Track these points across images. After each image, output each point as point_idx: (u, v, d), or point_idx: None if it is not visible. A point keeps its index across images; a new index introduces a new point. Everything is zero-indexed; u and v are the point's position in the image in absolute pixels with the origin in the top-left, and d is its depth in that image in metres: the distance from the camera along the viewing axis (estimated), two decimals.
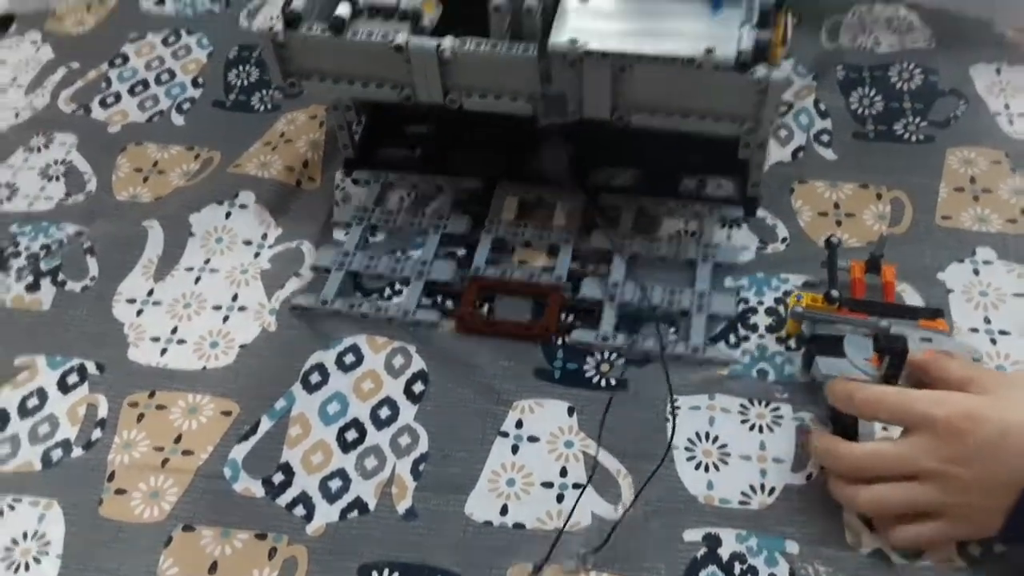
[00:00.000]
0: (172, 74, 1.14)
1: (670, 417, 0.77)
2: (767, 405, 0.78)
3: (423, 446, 0.78)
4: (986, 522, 0.63)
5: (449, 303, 0.87)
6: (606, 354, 0.82)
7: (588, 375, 0.81)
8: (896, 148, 0.98)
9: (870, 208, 0.92)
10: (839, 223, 0.91)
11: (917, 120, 1.00)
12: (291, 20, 0.81)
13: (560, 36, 0.75)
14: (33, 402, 0.83)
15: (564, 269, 0.88)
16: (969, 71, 1.05)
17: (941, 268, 0.86)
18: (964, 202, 0.92)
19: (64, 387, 0.84)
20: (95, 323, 0.89)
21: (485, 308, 0.87)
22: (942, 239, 0.88)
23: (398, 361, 0.83)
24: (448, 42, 0.78)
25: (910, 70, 1.06)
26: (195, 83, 1.13)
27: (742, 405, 0.78)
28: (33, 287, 0.92)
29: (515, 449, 0.77)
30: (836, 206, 0.93)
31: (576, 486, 0.74)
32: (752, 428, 0.77)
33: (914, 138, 0.99)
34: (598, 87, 0.78)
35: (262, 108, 1.09)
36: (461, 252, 0.91)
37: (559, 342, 0.83)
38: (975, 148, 0.97)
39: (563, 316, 0.85)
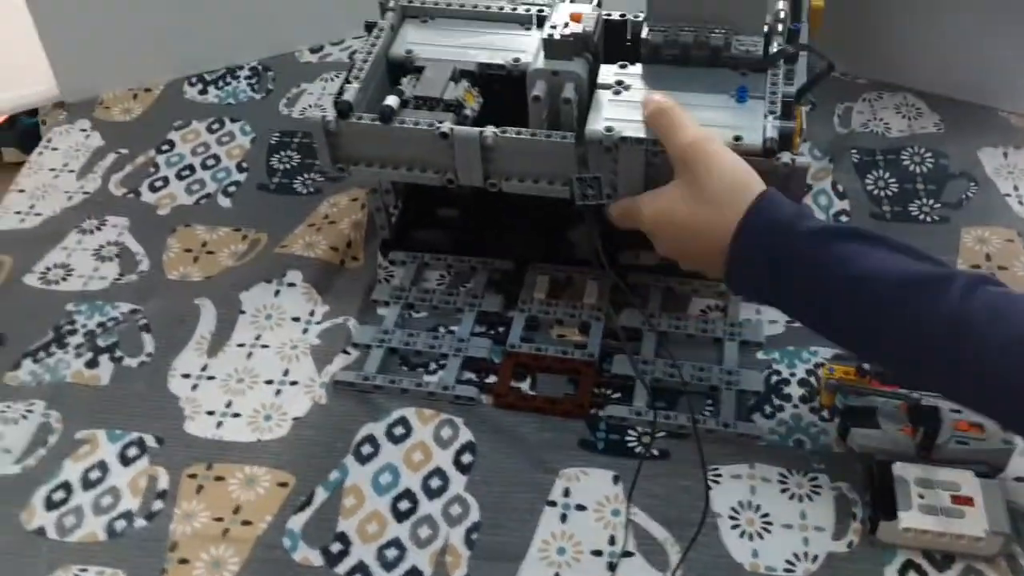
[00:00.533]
0: (217, 159, 1.19)
1: (712, 485, 0.80)
2: (805, 475, 0.81)
3: (474, 515, 0.80)
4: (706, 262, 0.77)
5: (488, 378, 0.91)
6: (652, 403, 0.86)
7: (630, 445, 0.84)
8: (913, 228, 1.03)
9: None
10: None
11: (931, 201, 1.06)
12: (343, 110, 0.86)
13: (596, 124, 0.81)
14: (95, 474, 0.86)
15: (596, 346, 0.92)
16: (977, 154, 1.12)
17: None
18: None
19: (125, 460, 0.87)
20: (152, 398, 0.92)
21: (527, 382, 0.90)
22: None
23: (446, 433, 0.87)
24: (490, 130, 0.83)
25: (921, 154, 1.12)
26: (240, 168, 1.18)
27: (781, 475, 0.81)
28: (92, 363, 0.95)
29: (564, 518, 0.80)
30: None
31: (626, 554, 0.77)
32: (792, 497, 0.80)
33: (929, 218, 1.04)
34: (631, 171, 0.83)
35: (305, 191, 1.14)
36: (499, 329, 0.95)
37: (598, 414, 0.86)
38: (988, 227, 1.02)
39: (597, 390, 0.89)
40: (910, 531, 0.73)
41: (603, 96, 0.83)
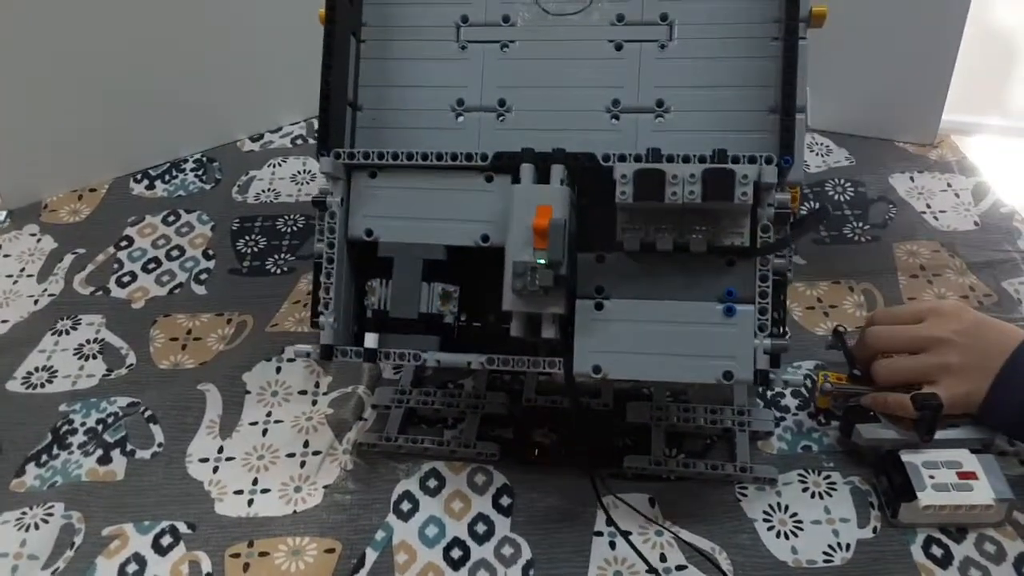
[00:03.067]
0: (181, 249, 1.20)
1: (741, 497, 0.86)
2: (820, 473, 0.88)
3: (526, 553, 0.83)
4: (973, 389, 0.84)
5: (506, 433, 0.94)
6: (672, 451, 0.91)
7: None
8: (851, 248, 1.15)
9: (847, 299, 1.07)
10: (826, 314, 1.06)
11: (860, 224, 1.18)
12: (325, 355, 0.79)
13: (583, 362, 0.73)
14: (132, 568, 0.84)
15: (610, 395, 0.96)
16: (889, 180, 1.25)
17: None
18: (922, 286, 1.08)
19: (160, 549, 0.85)
20: (174, 485, 0.91)
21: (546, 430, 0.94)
22: None
23: (480, 479, 0.90)
24: (477, 361, 0.77)
25: (841, 184, 1.25)
26: (206, 255, 1.19)
27: (800, 475, 0.88)
28: (104, 459, 0.93)
29: (612, 544, 0.84)
30: (819, 300, 1.07)
31: (679, 568, 0.81)
32: (813, 495, 0.87)
33: (862, 239, 1.16)
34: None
35: (278, 271, 1.16)
36: (514, 387, 0.99)
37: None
38: (915, 242, 1.15)
39: (618, 441, 0.93)
40: (929, 508, 0.81)
41: (584, 316, 0.74)
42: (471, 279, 0.79)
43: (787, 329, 0.80)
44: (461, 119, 0.83)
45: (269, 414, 0.97)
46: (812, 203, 1.22)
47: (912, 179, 1.26)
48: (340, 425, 0.96)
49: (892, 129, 1.34)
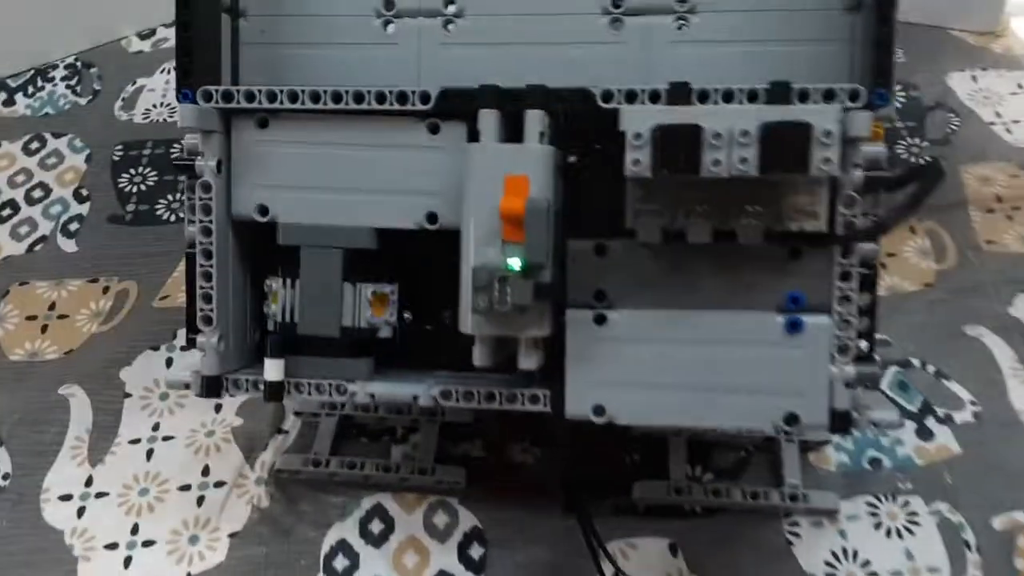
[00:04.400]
0: (46, 189, 0.95)
1: (792, 539, 0.64)
2: (896, 500, 0.66)
3: None
4: None
5: (474, 448, 0.71)
6: (696, 470, 0.68)
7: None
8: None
9: (908, 245, 0.84)
10: (884, 265, 0.82)
11: (916, 141, 0.93)
12: (210, 391, 0.58)
13: (579, 400, 0.53)
14: None
15: None
16: (946, 81, 1.00)
17: (1008, 303, 0.78)
18: (1001, 224, 0.85)
19: None
20: (23, 538, 0.69)
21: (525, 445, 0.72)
22: (997, 269, 0.80)
23: (441, 519, 0.68)
24: (427, 396, 0.56)
25: None
26: (79, 196, 0.95)
27: (868, 505, 0.66)
28: None
29: None
30: None
31: None
32: (889, 533, 0.65)
33: (920, 160, 0.91)
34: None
35: (173, 217, 0.91)
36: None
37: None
38: (986, 164, 0.91)
39: (625, 458, 0.71)
40: None
41: (580, 334, 0.53)
42: (415, 263, 0.58)
43: (877, 348, 0.56)
44: (391, 28, 0.59)
45: (156, 427, 0.75)
46: None
47: (975, 79, 1.01)
48: (252, 442, 0.74)
49: (947, 13, 1.08)
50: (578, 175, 0.53)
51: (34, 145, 0.98)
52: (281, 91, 0.53)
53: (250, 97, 0.54)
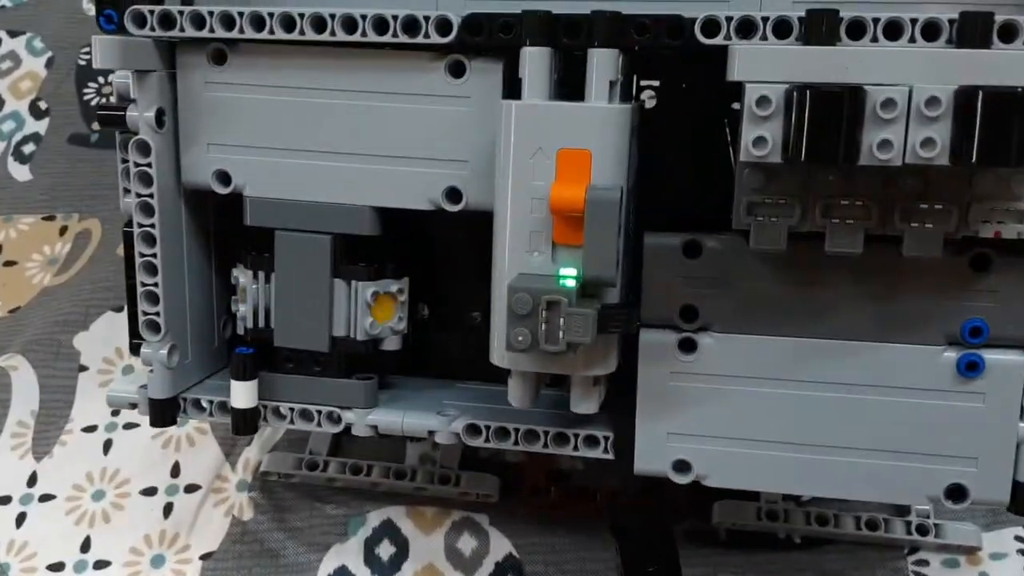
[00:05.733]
0: None
1: None
2: None
3: None
4: None
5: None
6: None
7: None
8: None
9: None
10: None
11: None
12: (164, 418, 0.46)
13: (657, 455, 0.41)
14: None
15: None
16: None
17: None
18: None
19: None
20: None
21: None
22: None
23: (468, 544, 0.55)
24: (446, 432, 0.44)
25: None
26: (35, 110, 0.81)
27: (1018, 540, 0.53)
28: None
29: None
30: None
31: None
32: None
33: None
34: None
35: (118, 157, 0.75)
36: None
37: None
38: None
39: None
40: None
41: (658, 364, 0.41)
42: (435, 245, 0.47)
43: None
44: None
45: (117, 412, 0.63)
46: None
47: None
48: (233, 437, 0.60)
49: None
50: (660, 128, 0.37)
51: None
52: (241, 14, 0.40)
53: (198, 21, 0.40)
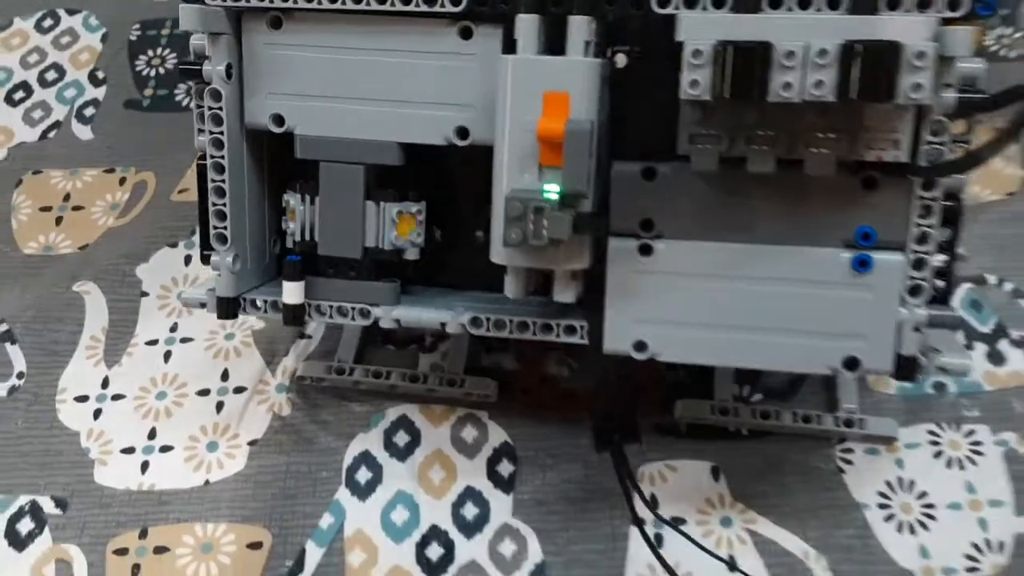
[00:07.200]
0: (60, 70, 0.89)
1: (845, 466, 0.60)
2: (959, 429, 0.61)
3: (534, 552, 0.59)
4: None
5: (507, 360, 0.67)
6: (744, 390, 0.64)
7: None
8: (995, 69, 0.81)
9: None
10: None
11: (1010, 31, 0.83)
12: (228, 314, 0.55)
13: (620, 341, 0.50)
14: None
15: None
16: None
17: None
18: None
19: (16, 540, 0.62)
20: (39, 439, 0.66)
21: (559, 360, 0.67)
22: None
23: (470, 434, 0.64)
24: (456, 323, 0.53)
25: None
26: (94, 79, 0.88)
27: (930, 433, 0.61)
28: None
29: (659, 539, 0.58)
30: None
31: None
32: (950, 464, 0.60)
33: (1013, 53, 0.82)
34: None
35: (193, 103, 0.83)
36: None
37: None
38: None
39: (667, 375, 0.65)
40: None
41: (623, 265, 0.50)
42: (446, 179, 0.55)
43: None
44: None
45: (174, 328, 0.71)
46: None
47: None
48: (273, 346, 0.70)
49: None
50: (627, 81, 0.47)
51: (47, 22, 0.92)
52: None
53: None
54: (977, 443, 0.61)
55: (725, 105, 0.44)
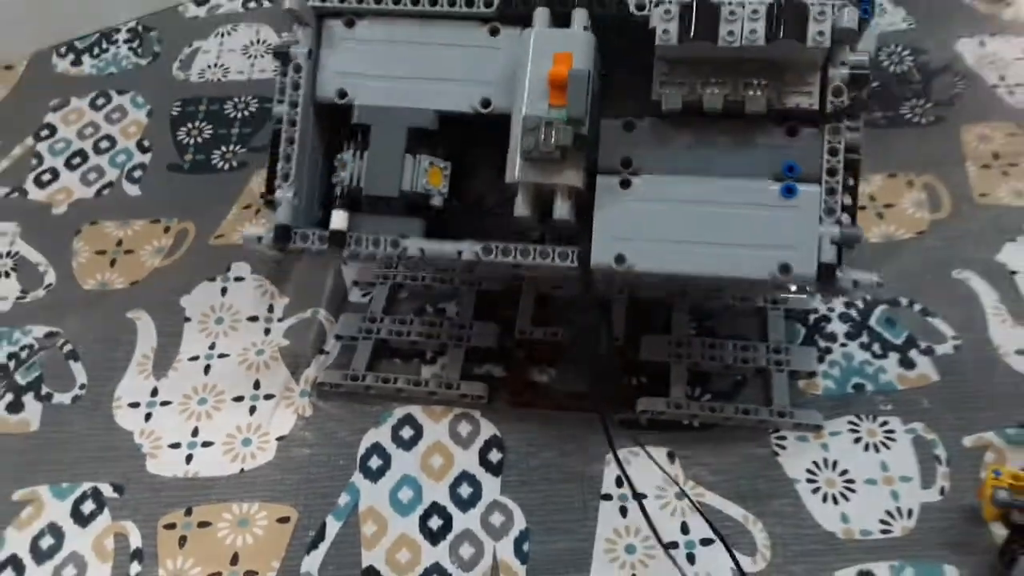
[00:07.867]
0: (112, 140, 1.01)
1: (779, 450, 0.71)
2: (875, 420, 0.73)
3: (519, 522, 0.69)
4: None
5: (497, 368, 0.78)
6: (695, 391, 0.75)
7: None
8: (910, 133, 0.95)
9: (905, 197, 0.89)
10: (880, 215, 0.88)
11: (921, 102, 0.98)
12: (281, 237, 0.65)
13: (604, 254, 0.61)
14: (47, 542, 0.71)
15: (621, 328, 0.79)
16: (954, 47, 1.04)
17: (997, 250, 0.83)
18: (996, 179, 0.90)
19: (80, 518, 0.72)
20: (98, 437, 0.77)
21: (544, 370, 0.79)
22: (988, 219, 0.85)
23: (464, 428, 0.75)
24: (470, 251, 0.63)
25: (899, 52, 1.04)
26: (141, 147, 1.01)
27: (850, 423, 0.73)
28: (15, 406, 0.79)
29: (624, 511, 0.69)
30: (872, 198, 0.89)
31: (705, 542, 0.67)
32: (867, 448, 0.71)
33: (924, 120, 0.96)
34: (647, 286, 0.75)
35: (226, 166, 0.98)
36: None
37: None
38: (987, 124, 0.95)
39: (629, 379, 0.77)
40: None
41: (607, 196, 0.62)
42: (466, 156, 0.67)
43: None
44: None
45: (213, 346, 0.82)
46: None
47: (982, 44, 1.04)
48: (297, 360, 0.81)
49: None
50: (612, 67, 0.62)
51: (100, 101, 1.05)
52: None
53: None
54: (890, 431, 0.72)
55: (687, 58, 0.58)
